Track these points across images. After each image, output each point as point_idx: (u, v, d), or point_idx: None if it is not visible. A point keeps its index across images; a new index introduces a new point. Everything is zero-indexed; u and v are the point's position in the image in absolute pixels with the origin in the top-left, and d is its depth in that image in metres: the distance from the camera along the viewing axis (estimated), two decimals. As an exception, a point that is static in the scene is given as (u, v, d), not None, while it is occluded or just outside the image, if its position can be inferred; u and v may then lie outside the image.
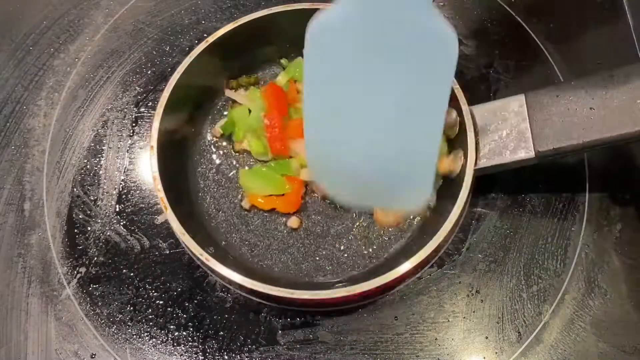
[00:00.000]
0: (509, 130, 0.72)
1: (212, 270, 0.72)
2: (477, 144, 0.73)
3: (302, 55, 0.83)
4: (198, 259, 0.70)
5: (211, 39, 0.78)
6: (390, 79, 0.60)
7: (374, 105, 0.62)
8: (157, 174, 0.71)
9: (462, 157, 0.73)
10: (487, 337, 0.74)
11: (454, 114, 0.76)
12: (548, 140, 0.69)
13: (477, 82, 0.90)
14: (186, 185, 0.81)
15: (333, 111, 0.64)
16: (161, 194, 0.70)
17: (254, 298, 0.76)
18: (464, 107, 0.73)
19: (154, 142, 0.73)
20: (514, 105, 0.72)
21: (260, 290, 0.67)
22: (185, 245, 0.70)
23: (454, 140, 0.76)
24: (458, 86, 0.74)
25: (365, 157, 0.66)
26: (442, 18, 0.55)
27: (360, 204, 0.78)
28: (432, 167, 0.66)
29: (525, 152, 0.70)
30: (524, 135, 0.70)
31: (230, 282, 0.74)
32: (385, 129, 0.64)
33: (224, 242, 0.78)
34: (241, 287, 0.71)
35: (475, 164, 0.72)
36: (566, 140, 0.68)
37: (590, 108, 0.67)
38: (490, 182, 0.82)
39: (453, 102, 0.75)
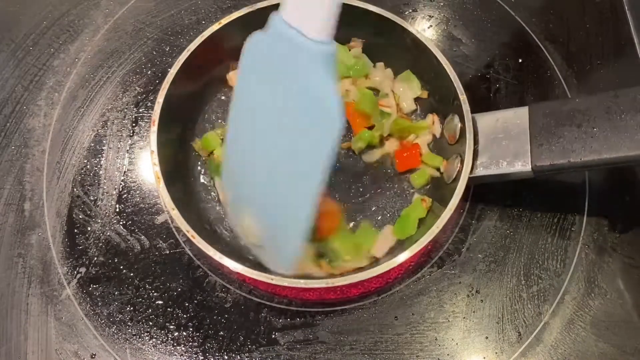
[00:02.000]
0: (509, 141, 0.71)
1: (199, 251, 0.72)
2: (475, 152, 0.72)
3: None
4: (184, 236, 0.69)
5: (225, 20, 0.78)
6: (280, 125, 0.58)
7: (269, 146, 0.60)
8: (155, 149, 0.71)
9: (459, 164, 0.72)
10: (487, 337, 0.74)
11: (456, 119, 0.75)
12: (546, 156, 0.68)
13: (477, 82, 0.90)
14: (184, 169, 0.81)
15: (246, 132, 0.63)
16: (156, 168, 0.71)
17: (254, 298, 0.76)
18: (467, 114, 0.73)
19: (155, 116, 0.73)
20: (517, 117, 0.72)
21: (239, 272, 0.67)
22: (174, 221, 0.70)
23: (453, 146, 0.76)
24: (463, 93, 0.74)
25: (256, 193, 0.64)
26: (333, 87, 0.54)
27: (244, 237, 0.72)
28: (298, 239, 0.62)
29: (522, 165, 0.69)
30: (523, 148, 0.70)
31: (212, 262, 0.75)
32: (272, 172, 0.61)
33: (212, 227, 0.78)
34: (222, 267, 0.71)
35: (471, 171, 0.71)
36: (564, 158, 0.67)
37: (592, 127, 0.67)
38: (491, 183, 0.82)
39: (457, 107, 0.75)
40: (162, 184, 0.70)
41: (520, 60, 0.92)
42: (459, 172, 0.71)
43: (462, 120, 0.74)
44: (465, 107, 0.73)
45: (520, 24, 0.95)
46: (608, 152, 0.65)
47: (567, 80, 0.90)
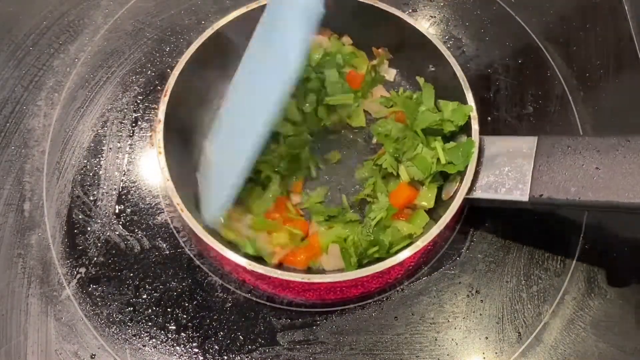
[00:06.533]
0: (511, 168, 0.70)
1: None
2: (476, 173, 0.72)
3: None
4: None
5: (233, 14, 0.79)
6: (255, 74, 0.64)
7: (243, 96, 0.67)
8: (162, 118, 0.73)
9: (458, 183, 0.72)
10: (487, 337, 0.74)
11: (464, 139, 0.75)
12: (545, 189, 0.67)
13: (477, 82, 0.90)
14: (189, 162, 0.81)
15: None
16: (159, 136, 0.72)
17: (253, 298, 0.76)
18: (475, 133, 0.73)
19: (168, 87, 0.74)
20: (524, 146, 0.71)
21: (229, 258, 0.67)
22: (168, 192, 0.71)
23: None
24: (475, 114, 0.73)
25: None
26: (302, 39, 0.58)
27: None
28: (230, 184, 0.67)
29: (520, 194, 0.68)
30: (524, 178, 0.69)
31: (201, 243, 0.75)
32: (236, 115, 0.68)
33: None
34: (209, 250, 0.72)
35: (469, 192, 0.71)
36: (563, 194, 0.66)
37: (596, 168, 0.65)
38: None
39: (466, 127, 0.74)
40: (162, 156, 0.71)
41: (520, 60, 0.92)
42: (457, 191, 0.71)
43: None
44: (475, 126, 0.73)
45: (520, 24, 0.95)
46: (608, 195, 0.64)
47: (567, 80, 0.90)
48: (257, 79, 0.64)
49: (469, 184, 0.71)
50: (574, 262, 0.78)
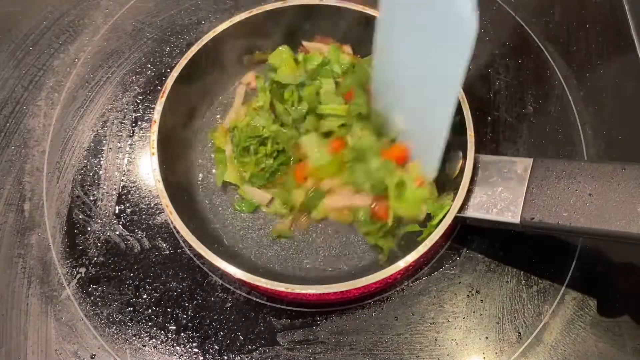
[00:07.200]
0: (504, 189, 0.70)
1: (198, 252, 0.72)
2: (469, 191, 0.71)
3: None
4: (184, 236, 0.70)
5: (256, 11, 0.80)
6: (416, 48, 0.66)
7: (410, 66, 0.68)
8: (157, 119, 0.73)
9: (450, 200, 0.71)
10: (487, 337, 0.74)
11: (459, 155, 0.75)
12: (537, 212, 0.67)
13: (477, 82, 0.90)
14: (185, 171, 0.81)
15: (391, 52, 0.71)
16: (154, 137, 0.72)
17: (253, 298, 0.76)
18: (470, 152, 0.72)
19: (167, 86, 0.74)
20: (520, 167, 0.70)
21: (217, 265, 0.67)
22: (160, 193, 0.71)
23: (450, 183, 0.75)
24: (472, 130, 0.73)
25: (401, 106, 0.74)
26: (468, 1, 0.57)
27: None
28: (440, 143, 0.70)
29: (511, 216, 0.68)
30: (517, 200, 0.68)
31: (200, 257, 0.75)
32: (414, 86, 0.69)
33: (211, 215, 0.79)
34: (210, 264, 0.72)
35: (460, 210, 0.70)
36: (554, 218, 0.65)
37: (590, 194, 0.65)
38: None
39: (462, 143, 0.74)
40: (155, 157, 0.71)
41: (520, 60, 0.92)
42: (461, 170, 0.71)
43: (464, 157, 0.73)
44: (471, 144, 0.73)
45: (520, 24, 0.95)
46: (600, 223, 0.63)
47: (567, 80, 0.90)
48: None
49: (461, 201, 0.70)
50: (574, 262, 0.78)
